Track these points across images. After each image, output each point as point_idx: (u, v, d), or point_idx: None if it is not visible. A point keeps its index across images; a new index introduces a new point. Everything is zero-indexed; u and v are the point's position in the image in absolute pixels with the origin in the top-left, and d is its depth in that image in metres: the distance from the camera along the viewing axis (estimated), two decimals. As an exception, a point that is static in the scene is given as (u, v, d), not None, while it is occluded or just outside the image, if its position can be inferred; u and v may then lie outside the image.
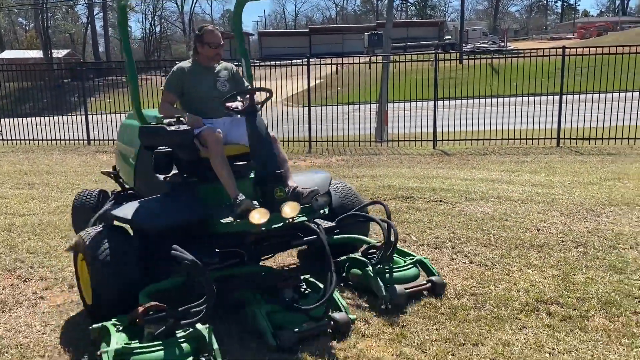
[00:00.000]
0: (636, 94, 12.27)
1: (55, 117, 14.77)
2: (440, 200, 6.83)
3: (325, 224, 4.07)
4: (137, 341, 2.96)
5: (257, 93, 4.02)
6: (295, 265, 4.75)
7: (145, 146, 4.15)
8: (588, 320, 3.57)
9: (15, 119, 15.09)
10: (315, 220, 3.89)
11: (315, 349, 3.23)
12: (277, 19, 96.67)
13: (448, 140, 12.39)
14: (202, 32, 4.23)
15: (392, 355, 3.20)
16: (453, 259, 4.79)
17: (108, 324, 3.10)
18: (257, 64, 15.18)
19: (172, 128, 3.82)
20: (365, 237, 4.55)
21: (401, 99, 14.30)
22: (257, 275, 4.05)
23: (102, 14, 59.54)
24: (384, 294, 3.76)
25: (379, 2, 74.37)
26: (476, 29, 55.84)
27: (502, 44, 46.13)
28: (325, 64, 14.98)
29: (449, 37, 54.45)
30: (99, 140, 13.98)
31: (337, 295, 3.55)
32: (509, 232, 5.45)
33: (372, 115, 13.98)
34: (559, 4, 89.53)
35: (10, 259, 5.05)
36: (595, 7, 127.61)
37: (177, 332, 2.99)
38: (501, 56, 15.55)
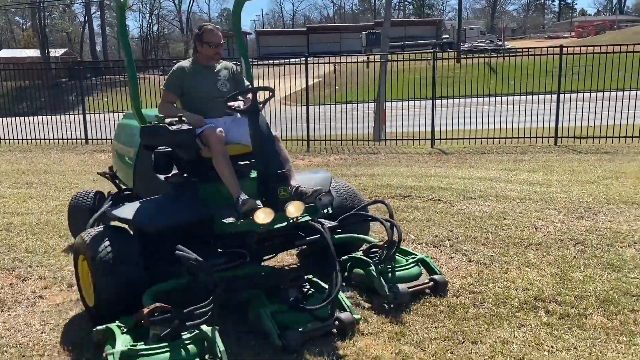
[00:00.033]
0: (634, 92, 12.29)
1: (53, 116, 14.74)
2: (439, 199, 6.84)
3: (328, 223, 4.06)
4: (142, 343, 2.93)
5: (259, 92, 4.01)
6: (295, 265, 4.75)
7: (145, 146, 4.12)
8: (586, 318, 3.58)
9: (13, 118, 15.06)
10: (319, 219, 3.87)
11: (314, 348, 3.24)
12: (274, 18, 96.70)
13: (446, 139, 12.41)
14: (202, 31, 4.21)
15: (391, 353, 3.21)
16: (451, 258, 4.80)
17: (112, 325, 3.06)
18: (255, 62, 15.19)
19: (174, 127, 3.79)
20: (367, 237, 4.55)
21: (399, 98, 14.31)
22: (260, 275, 4.04)
23: (99, 12, 59.42)
24: (388, 293, 3.77)
25: (376, 1, 74.45)
26: (474, 28, 55.83)
27: (499, 43, 46.15)
28: (324, 63, 14.97)
29: (447, 36, 54.53)
30: (96, 139, 13.97)
31: (341, 295, 3.53)
32: (507, 231, 5.47)
33: (370, 114, 13.99)
34: (557, 3, 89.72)
35: (9, 258, 5.04)
36: (593, 6, 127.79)
37: (182, 333, 2.96)
38: (499, 55, 15.58)
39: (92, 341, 3.15)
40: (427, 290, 3.97)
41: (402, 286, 3.80)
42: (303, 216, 3.67)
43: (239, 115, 4.24)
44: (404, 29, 54.45)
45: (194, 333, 2.97)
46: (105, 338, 3.05)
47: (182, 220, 3.62)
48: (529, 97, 13.20)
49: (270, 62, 15.67)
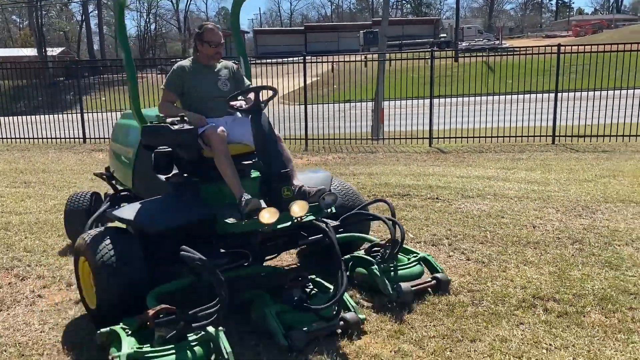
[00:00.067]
0: (631, 91, 12.33)
1: (51, 116, 14.72)
2: (437, 198, 6.85)
3: (331, 223, 4.04)
4: (148, 345, 2.89)
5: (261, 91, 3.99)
6: (295, 265, 4.75)
7: (145, 146, 4.08)
8: (584, 316, 3.59)
9: (10, 117, 15.04)
10: (323, 219, 3.84)
11: (314, 346, 3.24)
12: (272, 17, 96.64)
13: (444, 138, 12.42)
14: (203, 30, 4.17)
15: (391, 351, 3.22)
16: (450, 256, 4.81)
17: (117, 328, 3.01)
18: (253, 62, 15.14)
19: (176, 127, 3.76)
20: (369, 236, 4.54)
21: (397, 97, 14.32)
22: (262, 275, 4.02)
23: (96, 11, 59.27)
24: (391, 292, 3.77)
25: (374, 0, 74.42)
26: (471, 27, 55.89)
27: (497, 42, 46.20)
28: (322, 62, 14.97)
29: (444, 35, 54.57)
30: (94, 138, 13.95)
31: (345, 295, 3.51)
32: (505, 229, 5.48)
33: (368, 113, 14.00)
34: (554, 2, 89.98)
35: (7, 258, 5.04)
36: (590, 5, 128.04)
37: (188, 335, 2.94)
38: (497, 54, 15.60)
39: (94, 343, 3.10)
40: (430, 289, 3.98)
41: (405, 285, 3.80)
42: (307, 216, 3.65)
43: (239, 115, 4.23)
44: (401, 28, 54.50)
45: (200, 334, 2.94)
46: (110, 340, 3.00)
47: (184, 221, 3.58)
48: (527, 96, 13.23)
49: (269, 61, 15.66)
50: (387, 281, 3.82)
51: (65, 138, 14.20)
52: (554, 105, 11.96)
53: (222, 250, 3.64)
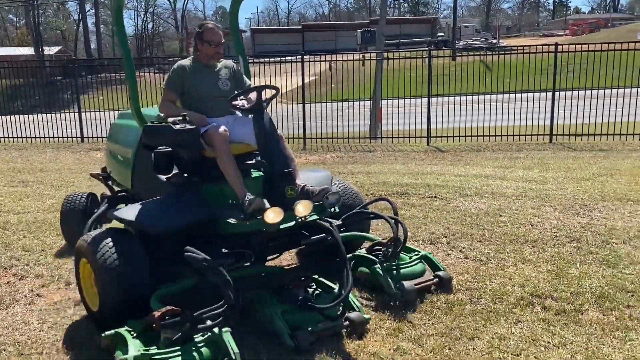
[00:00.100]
0: (628, 90, 12.35)
1: (48, 115, 14.69)
2: (435, 196, 6.87)
3: (335, 222, 4.03)
4: (155, 347, 2.87)
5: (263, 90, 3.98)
6: (295, 265, 4.74)
7: (144, 146, 4.05)
8: (582, 314, 3.61)
9: (8, 117, 15.00)
10: (326, 218, 3.81)
11: (313, 345, 3.24)
12: (269, 16, 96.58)
13: (442, 136, 12.44)
14: (203, 29, 4.13)
15: (390, 349, 3.23)
16: (448, 255, 4.83)
17: (122, 330, 2.97)
18: (251, 60, 15.13)
19: (178, 127, 3.74)
20: (370, 235, 4.54)
21: (395, 95, 14.33)
22: (266, 275, 3.98)
23: (94, 10, 59.13)
24: (395, 291, 3.78)
25: (371, -2, 74.43)
26: (469, 26, 55.94)
27: (494, 41, 46.26)
28: (320, 61, 14.97)
29: (442, 34, 54.61)
30: (92, 137, 13.93)
31: (350, 294, 3.49)
32: (503, 228, 5.50)
33: (366, 112, 14.00)
34: (551, 1, 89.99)
35: (5, 257, 5.03)
36: (587, 4, 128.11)
37: (195, 336, 2.92)
38: (494, 53, 15.62)
39: (94, 342, 3.07)
40: (432, 287, 3.99)
41: (408, 283, 3.81)
42: (311, 215, 3.63)
43: (239, 114, 4.22)
44: (399, 27, 54.49)
45: (206, 335, 2.92)
46: (115, 343, 2.96)
47: (186, 221, 3.55)
48: (524, 94, 13.26)
49: (266, 60, 15.66)
50: (390, 280, 3.83)
51: (62, 137, 14.17)
52: (552, 104, 11.98)
53: (225, 251, 3.61)
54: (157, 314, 2.92)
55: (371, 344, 3.29)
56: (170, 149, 3.88)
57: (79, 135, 14.16)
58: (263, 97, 3.91)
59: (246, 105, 4.00)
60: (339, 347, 3.24)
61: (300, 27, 64.55)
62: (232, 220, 3.56)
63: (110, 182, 5.33)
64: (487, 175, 8.26)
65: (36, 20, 51.31)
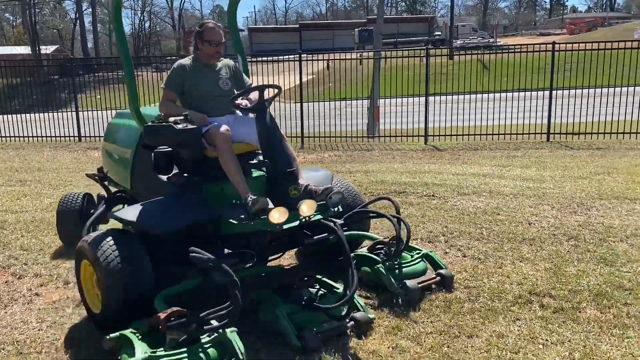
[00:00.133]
0: (625, 89, 12.38)
1: (46, 114, 14.66)
2: (433, 195, 6.88)
3: (338, 221, 4.01)
4: (162, 349, 2.84)
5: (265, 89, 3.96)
6: (296, 264, 4.73)
7: (144, 145, 4.02)
8: (580, 311, 3.62)
9: (5, 116, 14.97)
10: (330, 218, 3.79)
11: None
12: (267, 15, 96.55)
13: (439, 135, 12.45)
14: (203, 28, 4.10)
15: (388, 347, 3.24)
16: (446, 253, 4.84)
17: (127, 332, 2.93)
18: (249, 59, 15.11)
19: (180, 126, 3.72)
20: (372, 234, 4.53)
21: (392, 94, 14.33)
22: (268, 275, 3.95)
23: (90, 9, 59.01)
24: (399, 290, 3.78)
25: (369, -3, 74.40)
26: (466, 25, 55.98)
27: (491, 40, 46.31)
28: (318, 60, 14.96)
29: (439, 33, 54.62)
30: (90, 136, 13.90)
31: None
32: (501, 226, 5.51)
33: (363, 111, 14.01)
34: (548, 0, 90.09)
35: (3, 256, 5.03)
36: (583, 3, 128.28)
37: (201, 337, 2.90)
38: (491, 52, 15.63)
39: (100, 347, 3.03)
40: (434, 285, 3.99)
41: (411, 282, 3.81)
42: (315, 215, 3.62)
43: (239, 114, 4.21)
44: (396, 26, 54.50)
45: (213, 336, 2.90)
46: (120, 345, 2.91)
47: (189, 222, 3.51)
48: (522, 93, 13.29)
49: (264, 59, 15.65)
50: (393, 279, 3.83)
51: (60, 136, 14.15)
52: (549, 103, 12.00)
53: (229, 251, 3.58)
54: (162, 315, 2.89)
55: (370, 342, 3.29)
56: (170, 148, 3.85)
57: (76, 134, 14.14)
58: (265, 96, 3.89)
59: (249, 105, 3.98)
60: (338, 345, 3.24)
61: (297, 26, 64.58)
62: (236, 220, 3.52)
63: (106, 183, 5.28)
64: (484, 174, 8.27)
65: (33, 19, 51.21)
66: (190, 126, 3.74)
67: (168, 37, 76.81)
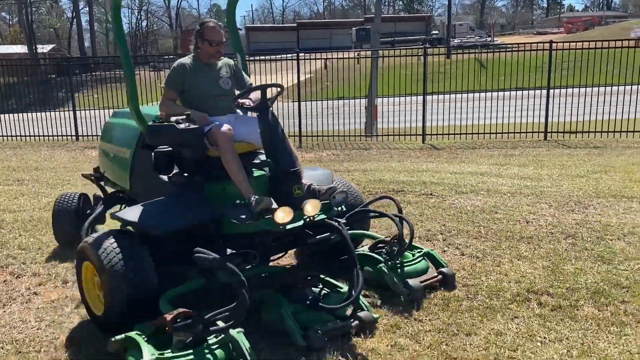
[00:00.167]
0: (622, 88, 12.42)
1: (43, 113, 14.62)
2: (431, 194, 6.89)
3: (342, 221, 3.97)
4: (169, 351, 2.82)
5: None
6: (298, 264, 4.72)
7: (144, 145, 4.00)
8: (578, 309, 3.64)
9: (2, 115, 14.92)
10: (334, 217, 3.79)
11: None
12: (264, 14, 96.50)
13: (437, 134, 12.47)
14: (203, 28, 4.07)
15: (387, 345, 3.25)
16: (444, 251, 4.85)
17: (133, 334, 2.91)
18: (246, 58, 15.09)
19: (182, 126, 3.70)
20: (374, 233, 4.53)
21: (390, 93, 14.33)
22: (271, 275, 3.93)
23: (87, 8, 58.83)
24: (402, 289, 3.78)
25: (366, -4, 74.39)
26: (463, 24, 56.06)
27: (489, 39, 46.35)
28: (315, 59, 14.96)
29: (436, 32, 54.69)
30: (87, 135, 13.88)
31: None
32: (499, 225, 5.53)
33: (361, 110, 14.01)
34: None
35: (2, 256, 5.02)
36: (580, 2, 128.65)
37: (208, 338, 2.89)
38: (489, 51, 15.64)
39: (100, 347, 3.03)
40: (436, 284, 4.00)
41: (413, 281, 3.81)
42: (319, 214, 3.62)
43: (240, 113, 4.21)
44: (393, 25, 54.43)
45: (220, 337, 2.89)
46: (125, 347, 2.90)
47: (191, 222, 3.50)
48: (519, 92, 13.28)
49: (262, 58, 15.64)
50: (395, 279, 3.83)
51: (57, 136, 14.12)
52: (546, 102, 12.02)
53: (232, 251, 3.56)
54: (168, 316, 2.87)
55: (369, 340, 3.30)
56: (170, 148, 3.83)
57: (73, 133, 14.11)
58: (267, 95, 3.87)
59: (252, 104, 3.97)
60: (338, 343, 3.25)
61: (295, 25, 64.53)
62: (239, 220, 3.49)
63: (102, 183, 5.24)
64: (482, 173, 8.29)
65: (29, 18, 51.08)
66: (192, 126, 3.72)
67: (165, 36, 76.68)
